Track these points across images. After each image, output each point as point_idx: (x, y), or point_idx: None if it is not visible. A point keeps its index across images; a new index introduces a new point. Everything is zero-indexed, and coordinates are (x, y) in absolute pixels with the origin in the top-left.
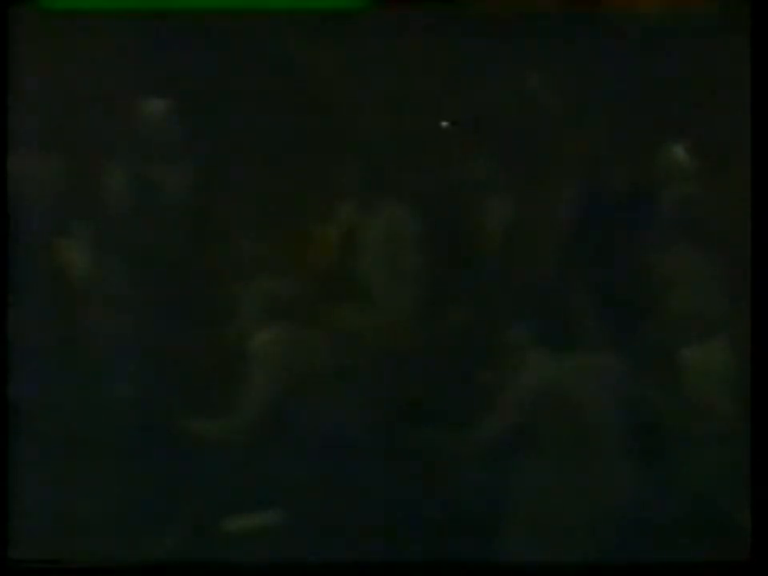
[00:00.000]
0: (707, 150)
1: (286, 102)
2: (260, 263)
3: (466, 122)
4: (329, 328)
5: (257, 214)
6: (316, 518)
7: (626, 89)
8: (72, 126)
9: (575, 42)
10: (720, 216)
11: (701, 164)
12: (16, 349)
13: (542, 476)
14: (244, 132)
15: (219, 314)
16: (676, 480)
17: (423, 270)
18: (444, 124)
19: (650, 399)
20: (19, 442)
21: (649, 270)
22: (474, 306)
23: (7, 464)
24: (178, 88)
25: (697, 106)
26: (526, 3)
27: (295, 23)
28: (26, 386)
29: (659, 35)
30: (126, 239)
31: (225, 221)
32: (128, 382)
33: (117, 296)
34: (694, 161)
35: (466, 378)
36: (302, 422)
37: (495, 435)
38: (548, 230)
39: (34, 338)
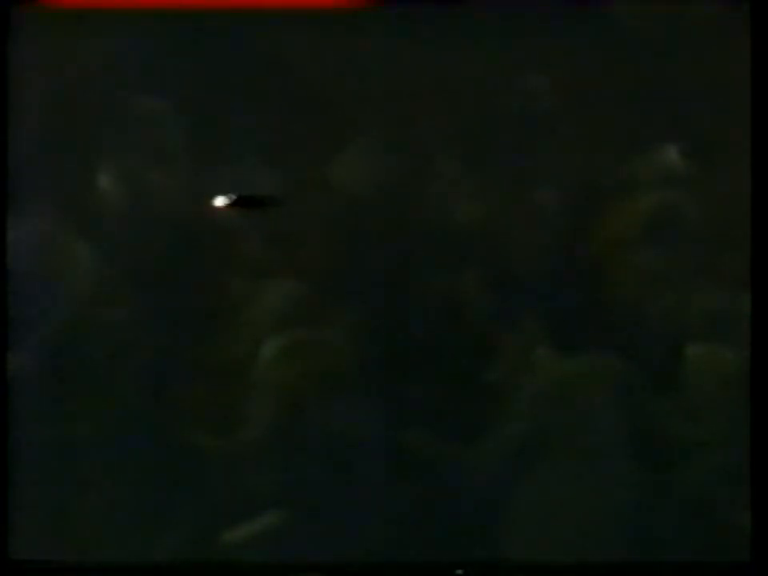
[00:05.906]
0: (706, 150)
1: (285, 101)
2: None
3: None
4: (332, 329)
5: (257, 214)
6: (318, 519)
7: (625, 88)
8: (72, 126)
9: (575, 41)
10: (719, 216)
11: (700, 164)
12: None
13: (543, 477)
14: (243, 131)
15: (221, 318)
16: (677, 481)
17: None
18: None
19: (650, 400)
20: (19, 443)
21: (647, 270)
22: (476, 307)
23: (7, 464)
24: (178, 88)
25: (696, 106)
26: (526, 3)
27: (295, 23)
28: (27, 387)
29: (659, 35)
30: (126, 239)
31: (225, 221)
32: (130, 385)
33: (116, 298)
34: (693, 161)
35: (470, 379)
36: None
37: (500, 438)
38: (546, 229)
39: (32, 345)
